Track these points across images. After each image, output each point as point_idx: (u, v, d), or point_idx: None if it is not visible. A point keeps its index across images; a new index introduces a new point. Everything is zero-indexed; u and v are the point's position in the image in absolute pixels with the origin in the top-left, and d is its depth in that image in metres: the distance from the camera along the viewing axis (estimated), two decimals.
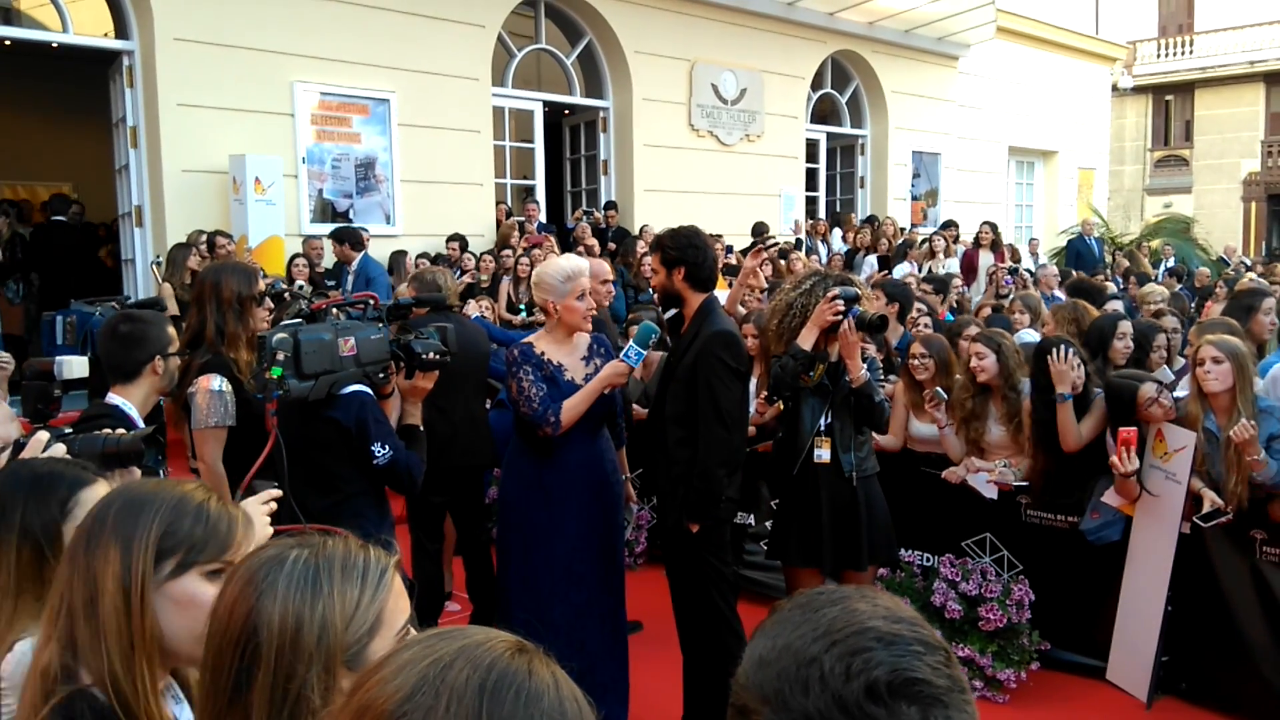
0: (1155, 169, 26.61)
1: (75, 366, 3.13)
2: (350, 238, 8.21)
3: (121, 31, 8.52)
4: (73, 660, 1.37)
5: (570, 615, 3.51)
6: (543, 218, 11.01)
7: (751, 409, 4.62)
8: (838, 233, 13.16)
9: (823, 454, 3.68)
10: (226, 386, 3.29)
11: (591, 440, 3.60)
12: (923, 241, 11.33)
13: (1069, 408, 4.21)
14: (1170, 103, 26.53)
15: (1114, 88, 21.55)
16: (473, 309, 5.98)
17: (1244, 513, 3.89)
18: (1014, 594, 4.25)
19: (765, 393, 4.69)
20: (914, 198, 15.40)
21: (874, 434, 3.99)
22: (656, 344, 3.95)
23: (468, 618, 4.81)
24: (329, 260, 8.48)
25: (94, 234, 11.36)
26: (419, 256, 9.05)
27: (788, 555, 3.80)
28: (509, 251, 9.13)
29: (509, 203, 11.23)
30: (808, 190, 14.19)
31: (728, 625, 3.57)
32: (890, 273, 9.89)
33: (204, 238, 7.73)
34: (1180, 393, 4.34)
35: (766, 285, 7.51)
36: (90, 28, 8.98)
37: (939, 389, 4.64)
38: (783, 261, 9.09)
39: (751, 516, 5.40)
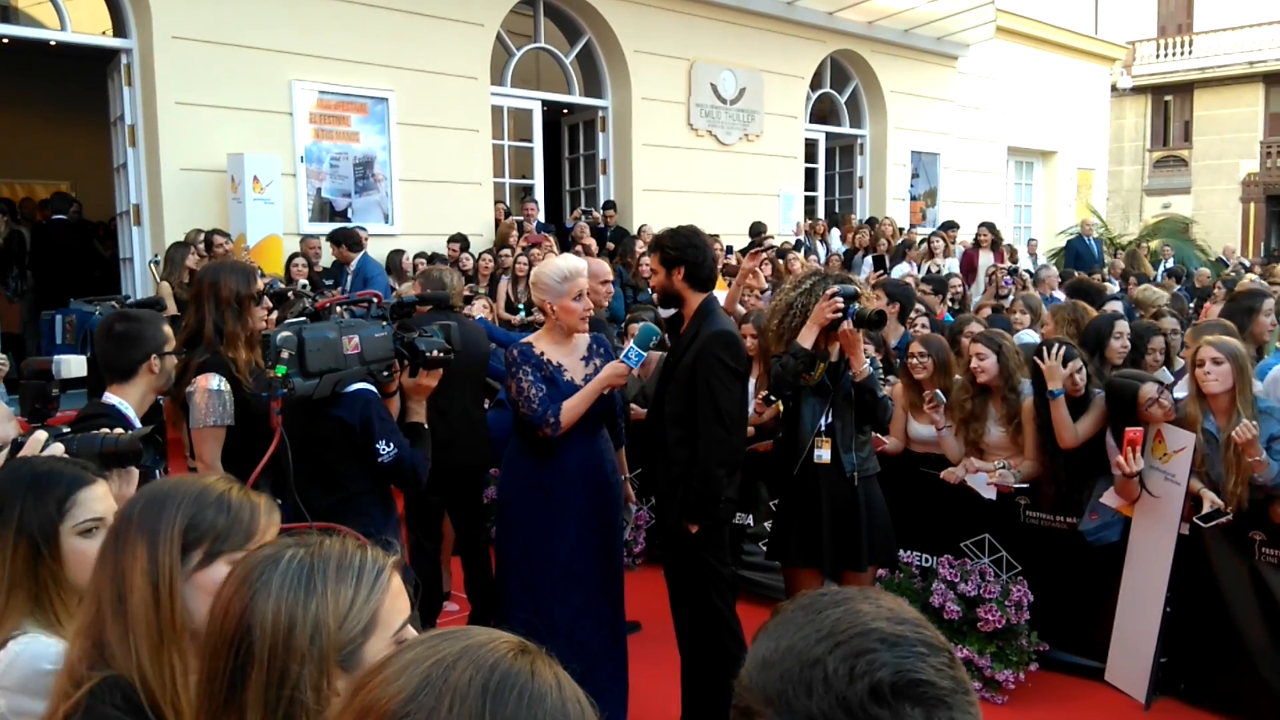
0: (1154, 169, 26.62)
1: (73, 366, 3.12)
2: (348, 239, 8.19)
3: (120, 30, 8.50)
4: (100, 659, 1.40)
5: (570, 617, 3.50)
6: (541, 217, 11.00)
7: (749, 409, 4.62)
8: (836, 233, 13.17)
9: (823, 454, 3.68)
10: (225, 386, 3.29)
11: (591, 440, 3.60)
12: (921, 241, 11.34)
13: (1061, 403, 4.23)
14: (1169, 103, 26.55)
15: (1113, 88, 21.58)
16: (477, 310, 5.98)
17: (1243, 514, 3.89)
18: (1013, 595, 4.25)
19: (764, 393, 4.70)
20: (913, 198, 15.40)
21: (876, 434, 3.99)
22: (656, 345, 3.95)
23: (466, 618, 4.81)
24: (327, 259, 8.46)
25: (93, 232, 11.35)
26: (417, 256, 9.04)
27: (787, 556, 3.79)
28: (508, 251, 9.13)
29: (507, 202, 11.21)
30: (807, 190, 14.19)
31: (726, 626, 3.57)
32: (888, 273, 9.89)
33: (202, 236, 7.72)
34: (1179, 394, 4.34)
35: (766, 286, 7.52)
36: (88, 26, 8.95)
37: (938, 391, 4.65)
38: (781, 262, 9.09)
39: (750, 517, 5.40)
